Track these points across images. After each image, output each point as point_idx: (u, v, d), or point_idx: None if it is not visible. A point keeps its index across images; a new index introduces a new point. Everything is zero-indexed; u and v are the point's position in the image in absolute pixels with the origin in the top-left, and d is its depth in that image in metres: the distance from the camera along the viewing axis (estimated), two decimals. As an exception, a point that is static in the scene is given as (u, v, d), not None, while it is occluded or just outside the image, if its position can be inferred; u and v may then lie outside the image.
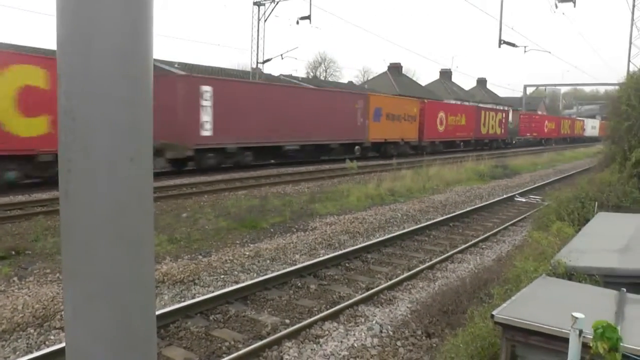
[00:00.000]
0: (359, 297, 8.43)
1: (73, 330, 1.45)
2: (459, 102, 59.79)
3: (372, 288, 8.97)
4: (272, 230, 13.14)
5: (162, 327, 6.98)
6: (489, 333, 5.36)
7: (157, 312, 6.83)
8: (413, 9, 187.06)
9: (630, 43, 36.74)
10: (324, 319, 7.51)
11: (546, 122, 68.75)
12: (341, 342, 6.85)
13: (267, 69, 59.16)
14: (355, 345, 6.78)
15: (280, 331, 7.03)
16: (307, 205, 16.25)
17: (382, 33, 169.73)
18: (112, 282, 1.42)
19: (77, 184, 1.39)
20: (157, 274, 8.94)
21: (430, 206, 17.69)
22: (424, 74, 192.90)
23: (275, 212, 14.85)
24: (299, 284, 9.11)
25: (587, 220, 9.67)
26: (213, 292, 8.33)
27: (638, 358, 3.62)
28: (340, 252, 10.89)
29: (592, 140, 74.90)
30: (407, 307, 8.24)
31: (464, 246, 12.10)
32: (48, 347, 6.32)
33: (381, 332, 7.22)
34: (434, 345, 6.78)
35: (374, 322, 7.54)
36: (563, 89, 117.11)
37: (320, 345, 6.75)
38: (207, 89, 23.67)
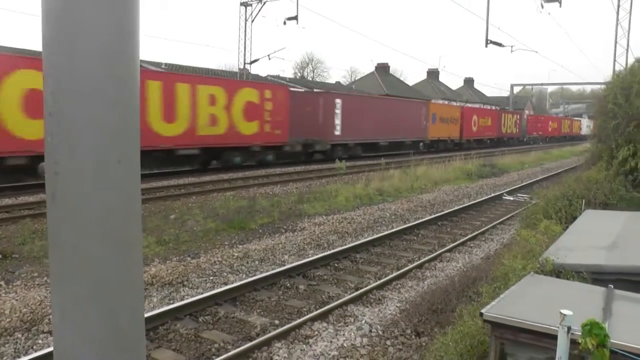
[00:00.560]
0: (348, 297, 8.44)
1: (61, 333, 1.44)
2: (446, 102, 60.51)
3: (361, 288, 8.97)
4: (260, 231, 13.13)
5: (151, 329, 6.95)
6: (478, 331, 5.39)
7: (146, 315, 6.80)
8: (400, 9, 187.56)
9: (616, 43, 36.99)
10: (313, 320, 7.51)
11: (550, 122, 75.96)
12: (331, 342, 6.86)
13: (255, 69, 59.09)
14: (345, 345, 6.79)
15: (270, 332, 7.02)
16: (295, 206, 16.24)
17: (369, 33, 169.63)
18: (100, 284, 1.41)
19: (64, 186, 1.38)
20: (145, 276, 8.91)
21: (418, 205, 17.73)
22: (412, 74, 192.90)
23: (264, 212, 14.83)
24: (288, 285, 9.10)
25: (575, 218, 9.73)
26: (202, 293, 8.31)
27: (625, 353, 3.65)
28: (329, 252, 10.88)
29: (589, 137, 77.03)
30: (397, 306, 8.25)
31: (452, 245, 12.13)
32: (36, 351, 6.28)
33: (371, 331, 7.22)
34: (424, 344, 6.80)
35: (363, 321, 7.55)
36: (550, 88, 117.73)
37: (310, 346, 6.75)
38: (338, 101, 32.28)
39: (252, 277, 9.21)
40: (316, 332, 7.16)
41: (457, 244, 12.32)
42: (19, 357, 6.13)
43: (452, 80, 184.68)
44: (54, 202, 1.39)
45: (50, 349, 6.02)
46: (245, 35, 42.61)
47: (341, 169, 24.91)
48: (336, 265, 10.42)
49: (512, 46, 45.09)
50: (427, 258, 10.89)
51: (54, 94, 1.36)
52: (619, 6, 36.70)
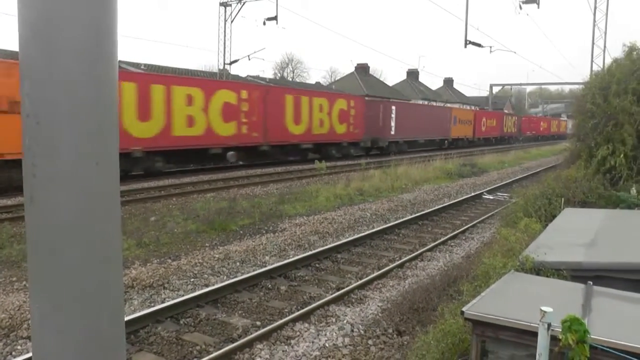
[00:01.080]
0: (329, 297, 8.44)
1: (40, 339, 1.43)
2: (426, 102, 61.43)
3: (342, 288, 8.98)
4: (241, 232, 13.09)
5: (131, 332, 6.90)
6: (460, 329, 5.41)
7: (127, 318, 6.75)
8: (379, 10, 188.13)
9: (593, 44, 37.44)
10: (295, 320, 7.50)
11: (541, 122, 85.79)
12: (312, 342, 6.85)
13: (234, 70, 58.93)
14: (327, 345, 6.79)
15: (252, 333, 7.01)
16: (276, 207, 16.22)
17: (349, 34, 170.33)
18: (79, 288, 1.39)
19: (42, 189, 1.36)
20: (126, 279, 8.84)
21: (399, 205, 17.79)
22: (391, 74, 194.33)
23: (244, 214, 14.79)
24: (270, 286, 9.08)
25: (554, 216, 9.82)
26: (183, 295, 8.26)
27: (605, 348, 3.68)
28: (310, 252, 10.88)
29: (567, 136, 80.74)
30: (378, 305, 8.27)
31: (433, 244, 12.19)
32: (15, 357, 6.21)
33: (352, 331, 7.23)
34: (405, 343, 6.82)
35: (345, 321, 7.55)
36: (528, 88, 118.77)
37: (292, 346, 6.74)
38: (393, 108, 41.03)
39: (233, 278, 9.18)
40: (298, 333, 7.16)
41: (438, 243, 12.38)
42: (-3, 362, 6.06)
43: (431, 80, 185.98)
44: (33, 205, 1.37)
45: (29, 354, 5.95)
46: (224, 36, 42.52)
47: (321, 169, 24.92)
48: (317, 265, 10.42)
49: (491, 47, 45.51)
50: (408, 257, 10.93)
51: (31, 95, 1.34)
52: (595, 7, 37.14)
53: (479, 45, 39.08)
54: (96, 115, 1.39)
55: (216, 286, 8.62)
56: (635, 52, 14.75)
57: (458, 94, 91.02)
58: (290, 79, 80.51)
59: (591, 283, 5.17)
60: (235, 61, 43.58)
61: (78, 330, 1.40)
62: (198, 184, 21.22)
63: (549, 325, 3.46)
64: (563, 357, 3.68)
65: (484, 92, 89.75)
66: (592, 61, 37.09)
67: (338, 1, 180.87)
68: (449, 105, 65.55)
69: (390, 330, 7.26)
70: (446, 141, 51.72)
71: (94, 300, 1.42)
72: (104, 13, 1.38)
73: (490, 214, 16.18)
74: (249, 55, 44.59)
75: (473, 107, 72.88)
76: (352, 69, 69.91)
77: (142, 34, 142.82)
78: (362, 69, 69.04)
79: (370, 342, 6.94)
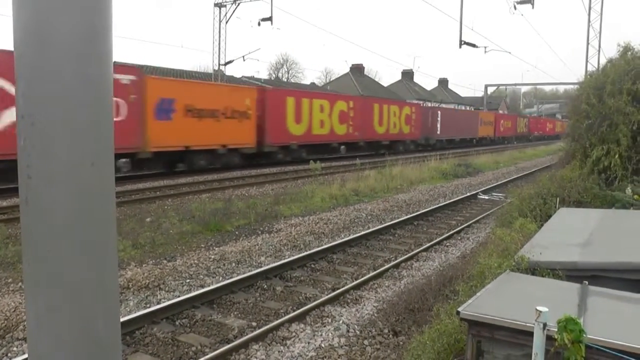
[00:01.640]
0: (325, 297, 8.44)
1: (36, 340, 1.42)
2: (421, 102, 61.62)
3: (338, 288, 8.99)
4: (237, 232, 13.08)
5: (127, 333, 6.88)
6: (455, 329, 5.42)
7: (122, 319, 6.74)
8: (374, 11, 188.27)
9: (588, 44, 37.47)
10: (290, 321, 7.50)
11: (547, 123, 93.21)
12: (308, 343, 6.85)
13: (229, 70, 58.84)
14: (323, 345, 6.79)
15: (247, 334, 7.00)
16: (271, 207, 16.21)
17: (344, 34, 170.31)
18: (75, 289, 1.39)
19: (37, 190, 1.35)
20: (121, 280, 8.83)
21: (394, 205, 17.80)
22: (386, 75, 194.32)
23: (240, 214, 14.78)
24: (265, 286, 9.08)
25: (549, 216, 9.83)
26: (179, 296, 8.25)
27: (601, 348, 3.69)
28: (305, 253, 10.88)
29: (562, 136, 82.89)
30: (374, 306, 8.27)
31: (428, 244, 12.20)
32: (11, 359, 6.19)
33: (348, 331, 7.24)
34: (401, 343, 6.83)
35: (340, 322, 7.55)
36: (523, 89, 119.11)
37: (288, 347, 6.74)
38: (439, 112, 51.02)
39: (228, 279, 9.17)
40: (294, 334, 7.15)
41: (434, 243, 12.39)
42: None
43: (426, 80, 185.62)
44: (28, 206, 1.37)
45: (25, 355, 5.94)
46: (219, 36, 42.43)
47: (316, 169, 24.90)
48: (313, 266, 10.42)
49: (485, 47, 45.55)
50: (403, 258, 10.94)
51: (26, 96, 1.34)
52: (590, 8, 37.20)
53: (473, 45, 39.12)
54: (91, 116, 1.38)
55: (212, 287, 8.61)
56: (629, 53, 14.78)
57: (453, 94, 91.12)
58: (286, 80, 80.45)
59: (586, 283, 5.18)
60: (230, 62, 43.52)
61: (74, 331, 1.40)
62: (193, 184, 21.19)
63: (545, 325, 3.47)
64: (559, 357, 3.69)
65: (479, 93, 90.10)
66: (586, 61, 37.14)
67: (333, 2, 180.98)
68: (443, 105, 66.25)
69: (386, 331, 7.26)
70: (474, 139, 60.20)
71: (89, 302, 1.42)
72: (99, 13, 1.38)
73: (485, 214, 16.21)
74: (243, 56, 44.56)
75: (468, 108, 73.85)
76: (347, 70, 70.00)
77: (136, 34, 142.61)
78: (357, 69, 69.12)
79: (366, 342, 6.94)
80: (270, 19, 39.14)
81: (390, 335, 7.14)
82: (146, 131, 21.60)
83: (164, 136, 22.30)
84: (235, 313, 7.95)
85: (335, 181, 21.64)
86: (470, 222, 15.05)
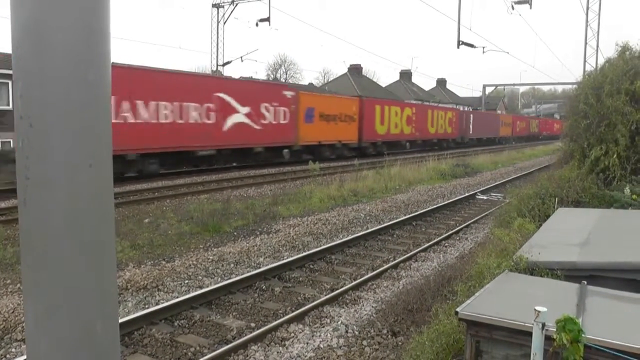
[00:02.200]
0: (324, 298, 8.44)
1: (35, 341, 1.42)
2: (419, 102, 61.78)
3: (336, 289, 8.99)
4: (235, 233, 13.08)
5: (126, 334, 6.88)
6: (454, 329, 5.42)
7: (121, 320, 6.73)
8: (372, 11, 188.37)
9: (586, 44, 37.57)
10: (289, 321, 7.50)
11: (554, 124, 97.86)
12: (307, 343, 6.85)
13: (227, 71, 58.93)
14: (322, 346, 6.79)
15: (246, 335, 7.00)
16: (270, 208, 16.21)
17: (342, 35, 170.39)
18: (73, 290, 1.39)
19: (35, 191, 1.35)
20: (120, 281, 8.82)
21: (393, 206, 17.80)
22: (384, 75, 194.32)
23: (238, 215, 14.78)
24: (264, 287, 9.08)
25: (548, 216, 9.83)
26: (177, 297, 8.25)
27: (600, 348, 3.69)
28: (304, 253, 10.88)
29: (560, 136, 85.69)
30: (372, 306, 8.27)
31: (427, 245, 12.21)
32: None
33: (347, 332, 7.24)
34: (400, 343, 6.82)
35: (339, 322, 7.55)
36: (521, 89, 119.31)
37: (286, 348, 6.74)
38: (471, 115, 60.84)
39: (227, 280, 9.17)
40: (292, 334, 7.15)
41: (432, 243, 12.40)
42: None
43: (424, 81, 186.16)
44: (26, 208, 1.37)
45: (24, 357, 5.93)
46: (217, 37, 42.47)
47: (314, 170, 24.88)
48: (311, 266, 10.42)
49: (483, 47, 45.48)
50: (402, 258, 10.94)
51: (25, 98, 1.33)
52: (587, 8, 37.26)
53: (471, 45, 39.10)
54: (89, 117, 1.38)
55: (210, 288, 8.60)
56: (627, 52, 14.78)
57: (451, 94, 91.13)
58: (284, 80, 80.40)
59: (585, 282, 5.18)
60: (228, 62, 43.62)
61: (72, 332, 1.39)
62: (192, 185, 21.18)
63: (543, 325, 3.47)
64: (557, 356, 3.69)
65: (477, 93, 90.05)
66: (584, 61, 37.26)
67: (331, 2, 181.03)
68: (442, 105, 66.46)
69: (384, 331, 7.26)
70: (497, 138, 68.49)
71: (88, 303, 1.41)
72: (97, 14, 1.38)
73: (483, 214, 16.21)
74: (241, 57, 44.71)
75: (466, 108, 74.43)
76: (345, 70, 69.96)
77: (135, 35, 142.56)
78: (355, 70, 69.08)
79: (364, 342, 6.94)
80: (268, 19, 39.25)
81: (389, 336, 7.14)
82: (299, 131, 31.29)
83: (308, 134, 32.19)
84: (234, 314, 7.94)
85: (333, 182, 21.63)
86: (469, 222, 15.06)
